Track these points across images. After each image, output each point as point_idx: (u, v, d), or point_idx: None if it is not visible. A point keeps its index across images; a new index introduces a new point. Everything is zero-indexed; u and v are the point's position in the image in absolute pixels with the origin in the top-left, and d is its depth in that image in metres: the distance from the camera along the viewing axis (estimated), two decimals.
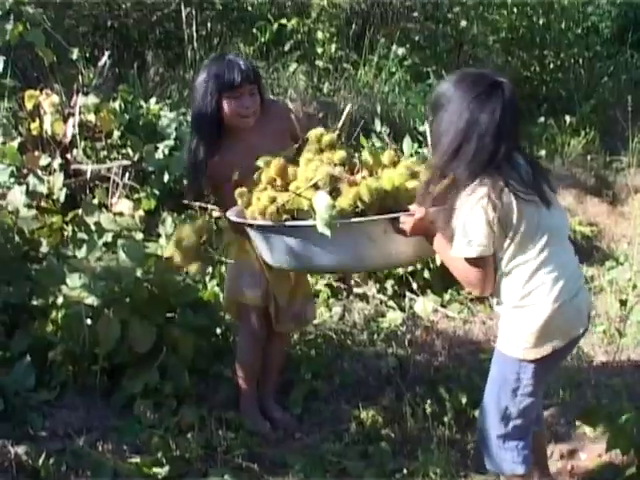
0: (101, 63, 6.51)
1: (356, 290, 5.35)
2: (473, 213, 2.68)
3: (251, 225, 3.08)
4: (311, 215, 2.83)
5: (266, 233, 2.99)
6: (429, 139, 2.97)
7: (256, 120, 3.59)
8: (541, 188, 2.78)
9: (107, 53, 6.57)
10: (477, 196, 2.68)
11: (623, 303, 5.33)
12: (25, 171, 5.39)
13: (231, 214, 3.27)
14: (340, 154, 3.02)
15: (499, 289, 2.86)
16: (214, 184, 3.78)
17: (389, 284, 5.38)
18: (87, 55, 8.87)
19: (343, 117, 3.29)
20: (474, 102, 2.67)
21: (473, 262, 2.76)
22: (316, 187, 2.87)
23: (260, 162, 3.17)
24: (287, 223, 2.88)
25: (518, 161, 2.79)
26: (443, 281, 5.45)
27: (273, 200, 2.90)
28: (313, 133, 3.18)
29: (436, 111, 2.78)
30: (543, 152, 8.72)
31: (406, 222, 2.82)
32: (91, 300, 3.92)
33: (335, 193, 2.85)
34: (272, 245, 3.01)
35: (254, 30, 9.16)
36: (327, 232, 2.69)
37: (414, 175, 2.99)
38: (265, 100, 3.70)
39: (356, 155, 3.18)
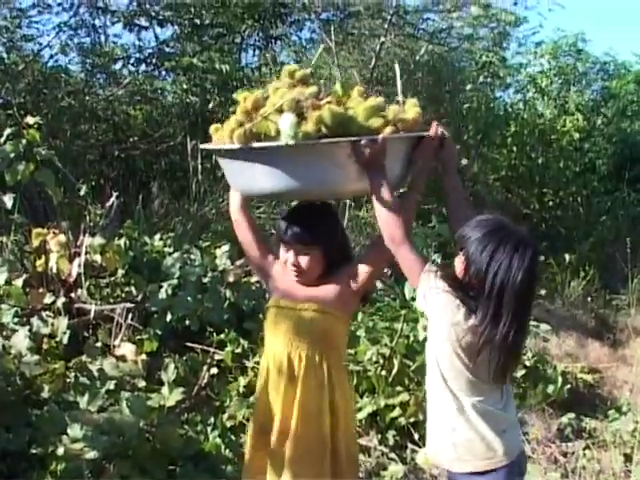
0: (109, 204, 6.60)
1: (358, 441, 5.30)
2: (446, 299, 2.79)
3: (219, 151, 3.08)
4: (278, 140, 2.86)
5: (233, 157, 2.98)
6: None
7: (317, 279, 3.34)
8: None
9: (115, 194, 6.66)
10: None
11: (627, 457, 5.27)
12: (29, 310, 5.43)
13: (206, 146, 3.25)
14: (312, 88, 2.98)
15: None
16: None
17: (390, 434, 5.33)
18: (93, 184, 9.01)
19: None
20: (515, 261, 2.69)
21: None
22: (282, 112, 2.88)
23: (238, 96, 3.13)
24: (254, 145, 2.87)
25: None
26: None
27: (241, 124, 2.90)
28: (287, 68, 3.18)
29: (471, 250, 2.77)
30: (543, 291, 8.76)
31: (367, 148, 2.82)
32: (92, 454, 3.88)
33: (300, 119, 2.84)
34: (239, 170, 3.00)
35: None
36: (291, 141, 2.74)
37: (381, 112, 2.99)
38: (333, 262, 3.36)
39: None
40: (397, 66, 3.66)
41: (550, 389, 5.88)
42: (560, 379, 6.04)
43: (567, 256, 9.63)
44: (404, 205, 3.03)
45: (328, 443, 3.24)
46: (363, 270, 3.27)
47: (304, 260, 3.25)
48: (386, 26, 10.81)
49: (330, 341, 3.31)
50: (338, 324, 3.33)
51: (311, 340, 3.26)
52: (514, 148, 11.35)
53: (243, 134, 2.85)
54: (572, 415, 5.78)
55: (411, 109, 3.06)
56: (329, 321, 3.28)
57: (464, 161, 10.67)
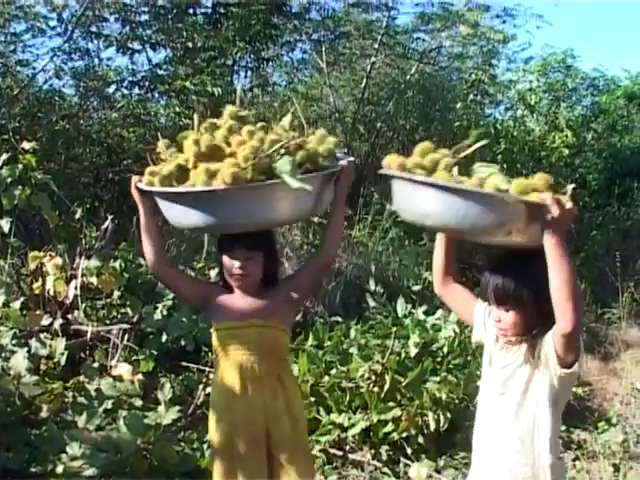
0: (104, 226, 6.69)
1: (351, 456, 5.39)
2: None
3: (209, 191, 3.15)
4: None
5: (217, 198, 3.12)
6: None
7: (256, 291, 3.53)
8: None
9: (109, 217, 6.75)
10: None
11: (616, 468, 5.36)
12: (27, 331, 5.51)
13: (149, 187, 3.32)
14: (271, 136, 3.24)
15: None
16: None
17: (384, 449, 5.41)
18: (88, 206, 9.09)
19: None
20: None
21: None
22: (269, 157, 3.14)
23: (185, 138, 3.34)
24: (268, 182, 3.11)
25: None
26: (437, 446, 5.50)
27: (235, 165, 3.09)
28: (228, 110, 3.46)
29: None
30: None
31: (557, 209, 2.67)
32: (91, 472, 3.97)
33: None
34: (218, 207, 3.15)
35: None
36: (307, 187, 3.07)
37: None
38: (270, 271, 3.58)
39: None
40: (296, 103, 4.09)
41: None
42: None
43: None
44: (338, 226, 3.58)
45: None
46: (303, 284, 3.57)
47: (248, 264, 3.43)
48: (376, 46, 10.95)
49: (277, 352, 3.56)
50: (283, 336, 3.57)
51: (262, 353, 3.47)
52: (504, 165, 11.44)
53: (245, 174, 3.08)
54: (562, 427, 5.86)
55: (327, 139, 3.37)
56: (275, 334, 3.53)
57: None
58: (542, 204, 2.66)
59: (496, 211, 2.71)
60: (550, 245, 2.67)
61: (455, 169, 2.92)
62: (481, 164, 3.03)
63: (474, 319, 3.15)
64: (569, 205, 2.71)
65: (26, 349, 5.12)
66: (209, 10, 10.82)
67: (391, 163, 3.07)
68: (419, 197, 2.88)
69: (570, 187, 2.91)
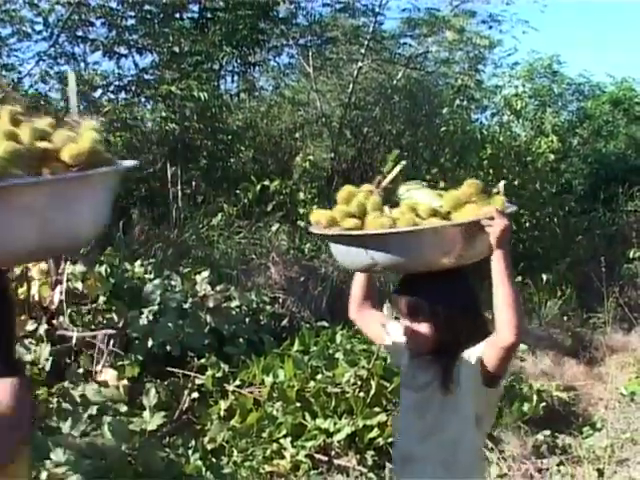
0: None
1: (337, 462, 5.38)
2: None
3: None
4: None
5: None
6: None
7: None
8: None
9: None
10: None
11: (600, 472, 5.38)
12: None
13: None
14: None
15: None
16: None
17: (369, 455, 5.41)
18: None
19: None
20: None
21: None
22: None
23: None
24: None
25: None
26: None
27: None
28: None
29: None
30: None
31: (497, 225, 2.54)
32: (75, 478, 3.95)
33: None
34: None
35: (237, 191, 9.40)
36: None
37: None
38: None
39: None
40: (72, 76, 2.80)
41: (526, 407, 5.97)
42: (535, 397, 6.14)
43: (544, 276, 9.76)
44: None
45: None
46: None
47: None
48: (363, 51, 10.98)
49: None
50: None
51: None
52: (490, 170, 11.46)
53: None
54: (547, 432, 5.88)
55: (86, 135, 2.14)
56: None
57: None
58: (478, 220, 2.56)
59: (436, 243, 2.59)
60: (495, 258, 2.56)
61: (386, 207, 2.69)
62: (405, 185, 2.88)
63: (388, 341, 3.00)
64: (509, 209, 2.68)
65: None
66: (196, 15, 10.83)
67: (320, 220, 2.77)
68: (357, 252, 2.65)
69: (501, 184, 2.79)
